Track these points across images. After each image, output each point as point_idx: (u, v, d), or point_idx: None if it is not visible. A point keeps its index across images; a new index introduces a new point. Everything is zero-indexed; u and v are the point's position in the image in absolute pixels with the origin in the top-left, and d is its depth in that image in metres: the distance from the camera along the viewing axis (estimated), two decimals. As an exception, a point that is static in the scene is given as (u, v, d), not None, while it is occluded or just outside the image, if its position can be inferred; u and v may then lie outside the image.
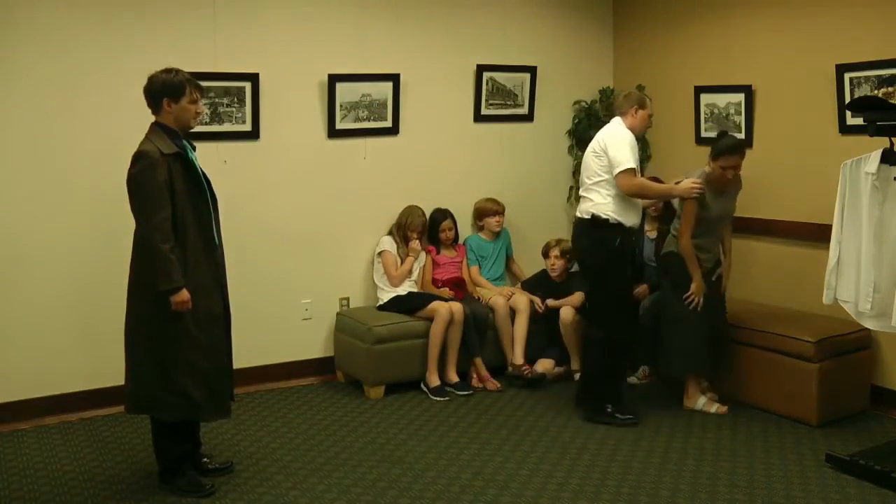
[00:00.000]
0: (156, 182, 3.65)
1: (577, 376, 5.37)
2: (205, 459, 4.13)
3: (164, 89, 3.80)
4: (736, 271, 5.29)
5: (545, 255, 5.77)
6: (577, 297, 5.56)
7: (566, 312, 5.47)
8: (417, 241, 5.61)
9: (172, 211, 3.69)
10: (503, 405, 5.13)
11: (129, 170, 3.73)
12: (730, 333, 5.00)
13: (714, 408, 4.94)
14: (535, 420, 4.87)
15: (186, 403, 3.79)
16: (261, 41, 5.27)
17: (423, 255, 5.69)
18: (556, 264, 5.68)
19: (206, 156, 5.13)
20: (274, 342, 5.48)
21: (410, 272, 5.60)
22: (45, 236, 4.82)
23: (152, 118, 5.08)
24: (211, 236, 3.87)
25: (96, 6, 4.84)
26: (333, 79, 5.46)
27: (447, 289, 5.63)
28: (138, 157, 3.71)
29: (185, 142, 3.87)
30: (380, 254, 5.60)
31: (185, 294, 3.68)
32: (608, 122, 4.87)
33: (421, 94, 5.83)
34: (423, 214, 5.68)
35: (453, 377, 5.39)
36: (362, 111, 5.63)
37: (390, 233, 5.68)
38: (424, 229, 5.69)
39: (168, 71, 3.85)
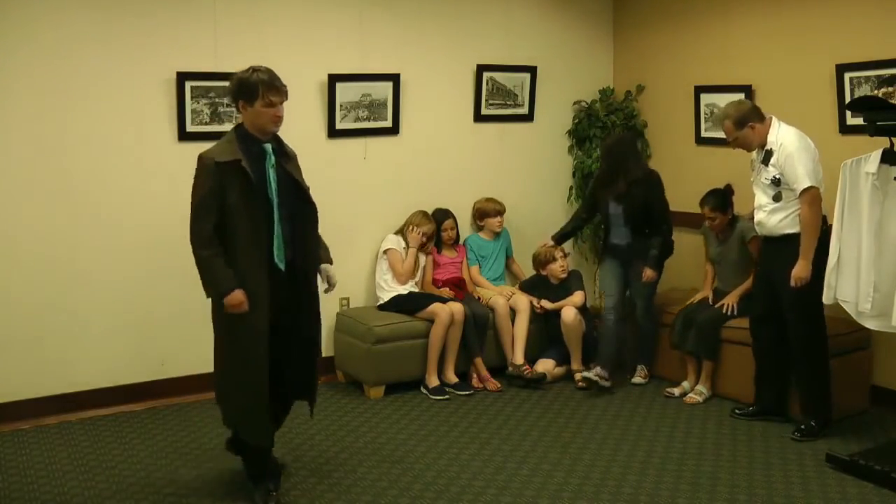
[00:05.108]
0: (201, 190, 3.55)
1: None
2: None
3: (238, 90, 3.62)
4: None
5: (551, 260, 5.70)
6: (578, 296, 5.57)
7: (568, 312, 5.46)
8: (413, 231, 5.57)
9: (222, 220, 3.54)
10: (503, 405, 5.13)
11: None
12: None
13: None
14: (535, 420, 4.87)
15: (224, 412, 3.78)
16: (261, 41, 5.26)
17: (422, 256, 5.68)
18: (564, 265, 5.67)
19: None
20: (274, 342, 5.47)
21: (415, 268, 5.60)
22: (42, 236, 4.82)
23: (151, 119, 5.13)
24: (268, 250, 3.59)
25: (95, 6, 4.84)
26: (333, 79, 5.46)
27: (447, 289, 5.63)
28: (197, 161, 3.60)
29: (265, 147, 3.64)
30: (385, 251, 5.59)
31: (237, 296, 3.52)
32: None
33: (421, 94, 5.83)
34: (432, 219, 5.69)
35: (452, 378, 5.38)
36: (362, 111, 5.63)
37: (397, 232, 5.68)
38: (433, 233, 5.68)
39: (248, 69, 3.64)
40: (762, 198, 4.55)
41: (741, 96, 5.45)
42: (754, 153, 4.62)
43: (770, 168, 4.47)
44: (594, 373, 5.27)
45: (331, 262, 4.01)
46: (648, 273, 5.27)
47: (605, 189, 5.39)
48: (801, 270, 4.36)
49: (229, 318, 3.60)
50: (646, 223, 5.29)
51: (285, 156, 3.75)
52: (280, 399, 3.87)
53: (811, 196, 4.33)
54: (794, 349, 4.55)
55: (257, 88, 3.58)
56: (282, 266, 3.64)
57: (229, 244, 3.57)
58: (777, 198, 4.47)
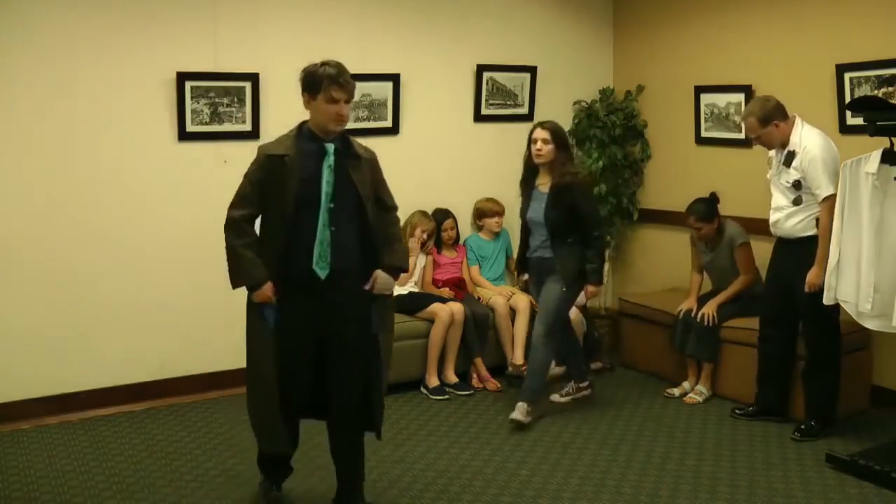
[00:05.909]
0: (247, 180, 3.49)
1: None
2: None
3: (304, 82, 3.45)
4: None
5: None
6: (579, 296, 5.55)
7: (571, 312, 5.44)
8: (413, 239, 5.59)
9: (265, 216, 3.46)
10: (503, 405, 5.13)
11: None
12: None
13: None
14: (535, 420, 4.87)
15: (249, 414, 3.68)
16: (261, 41, 5.26)
17: (422, 256, 5.68)
18: None
19: (206, 156, 5.18)
20: (274, 342, 5.47)
21: (413, 270, 5.60)
22: (41, 236, 4.82)
23: (151, 119, 5.12)
24: (307, 261, 3.38)
25: (95, 5, 4.84)
26: (333, 79, 5.46)
27: (447, 289, 5.63)
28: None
29: (326, 146, 3.45)
30: None
31: (265, 292, 3.39)
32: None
33: (421, 94, 5.83)
34: (432, 219, 5.69)
35: (452, 378, 5.39)
36: (362, 111, 5.63)
37: None
38: (433, 231, 5.69)
39: (318, 63, 3.43)
40: (780, 199, 4.52)
41: (741, 96, 5.46)
42: (772, 151, 4.59)
43: (792, 171, 4.43)
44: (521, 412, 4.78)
45: (392, 273, 3.60)
46: (592, 290, 4.82)
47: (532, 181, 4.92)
48: (814, 277, 4.35)
49: (251, 321, 3.54)
50: (570, 232, 4.74)
51: (353, 157, 3.53)
52: (334, 420, 3.66)
53: (832, 203, 4.29)
54: (808, 351, 4.54)
55: (321, 82, 3.38)
56: (321, 273, 3.40)
57: (265, 248, 3.45)
58: (797, 201, 4.44)
